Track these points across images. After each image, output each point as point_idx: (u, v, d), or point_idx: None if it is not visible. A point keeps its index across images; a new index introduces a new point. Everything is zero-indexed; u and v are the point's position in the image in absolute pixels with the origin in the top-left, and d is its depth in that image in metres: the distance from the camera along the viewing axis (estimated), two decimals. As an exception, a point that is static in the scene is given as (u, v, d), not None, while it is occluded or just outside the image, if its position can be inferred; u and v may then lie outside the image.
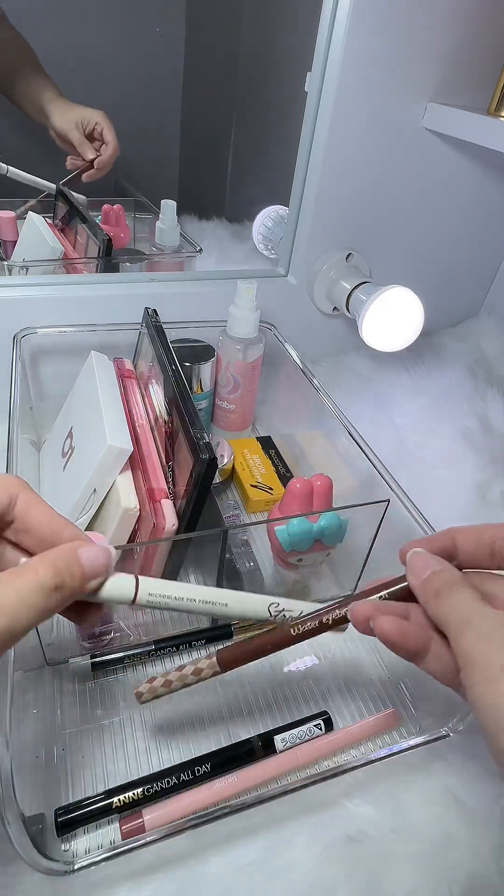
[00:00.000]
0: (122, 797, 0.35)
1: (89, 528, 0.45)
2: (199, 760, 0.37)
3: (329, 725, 0.40)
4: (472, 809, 0.36)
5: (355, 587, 0.51)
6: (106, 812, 0.34)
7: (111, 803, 0.34)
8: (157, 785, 0.36)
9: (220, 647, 0.34)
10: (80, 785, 0.36)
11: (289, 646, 0.32)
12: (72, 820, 0.34)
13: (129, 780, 0.36)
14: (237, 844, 0.34)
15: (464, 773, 0.38)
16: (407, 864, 0.34)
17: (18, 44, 0.68)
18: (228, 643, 0.45)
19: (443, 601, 0.26)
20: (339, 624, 0.31)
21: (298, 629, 0.31)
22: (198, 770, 0.37)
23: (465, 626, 0.24)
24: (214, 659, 0.33)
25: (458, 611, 0.25)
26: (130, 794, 0.35)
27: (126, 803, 0.35)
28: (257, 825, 0.34)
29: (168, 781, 0.36)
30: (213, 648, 0.44)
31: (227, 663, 0.33)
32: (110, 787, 0.36)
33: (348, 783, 0.37)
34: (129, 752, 0.39)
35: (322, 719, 0.40)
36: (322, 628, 0.31)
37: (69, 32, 0.69)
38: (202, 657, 0.34)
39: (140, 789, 0.35)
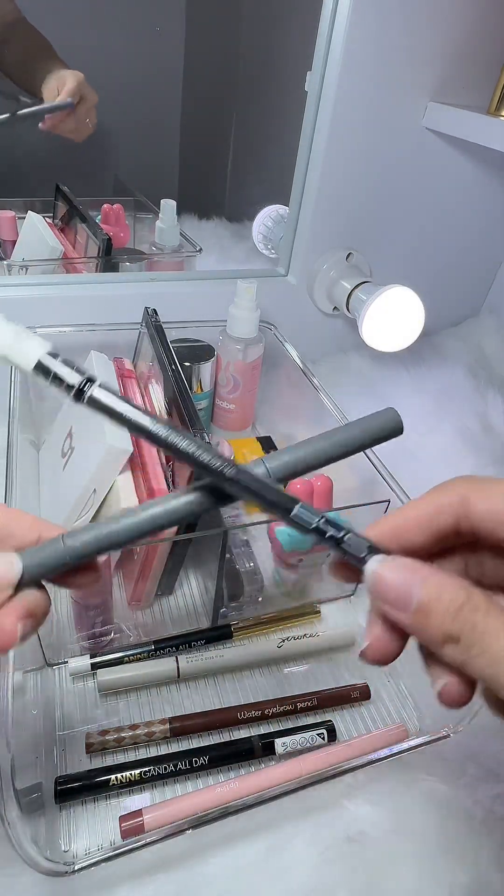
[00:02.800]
0: (119, 775, 0.36)
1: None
2: (197, 751, 0.38)
3: (332, 735, 0.39)
4: (473, 810, 0.36)
5: (355, 588, 0.51)
6: (103, 787, 0.35)
7: (108, 780, 0.35)
8: (154, 769, 0.36)
9: (173, 716, 0.39)
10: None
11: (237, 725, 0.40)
12: (70, 789, 0.35)
13: (127, 762, 0.37)
14: (237, 845, 0.34)
15: (464, 775, 0.38)
16: (407, 866, 0.34)
17: (38, 40, 0.67)
18: (229, 643, 0.45)
19: (473, 655, 0.18)
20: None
21: (243, 715, 0.40)
22: (195, 761, 0.37)
23: None
24: (167, 726, 0.38)
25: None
26: (128, 773, 0.36)
27: (123, 782, 0.35)
28: (257, 826, 0.34)
29: (165, 768, 0.36)
30: (212, 649, 0.44)
31: (177, 732, 0.39)
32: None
33: (348, 784, 0.37)
34: (129, 754, 0.38)
35: (325, 728, 0.39)
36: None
37: (69, 32, 0.69)
38: (156, 721, 0.39)
39: (137, 771, 0.36)
